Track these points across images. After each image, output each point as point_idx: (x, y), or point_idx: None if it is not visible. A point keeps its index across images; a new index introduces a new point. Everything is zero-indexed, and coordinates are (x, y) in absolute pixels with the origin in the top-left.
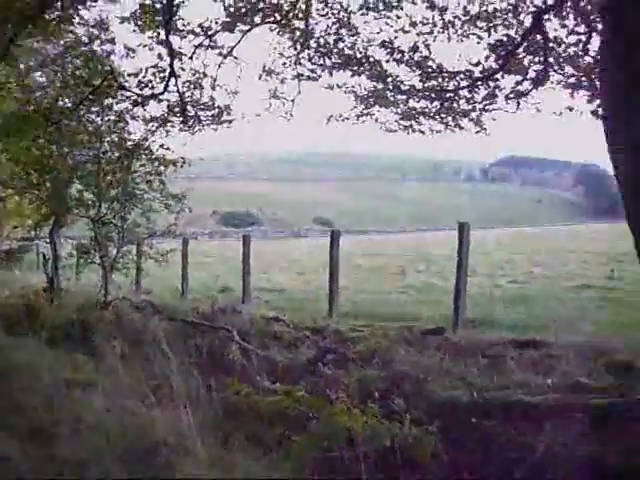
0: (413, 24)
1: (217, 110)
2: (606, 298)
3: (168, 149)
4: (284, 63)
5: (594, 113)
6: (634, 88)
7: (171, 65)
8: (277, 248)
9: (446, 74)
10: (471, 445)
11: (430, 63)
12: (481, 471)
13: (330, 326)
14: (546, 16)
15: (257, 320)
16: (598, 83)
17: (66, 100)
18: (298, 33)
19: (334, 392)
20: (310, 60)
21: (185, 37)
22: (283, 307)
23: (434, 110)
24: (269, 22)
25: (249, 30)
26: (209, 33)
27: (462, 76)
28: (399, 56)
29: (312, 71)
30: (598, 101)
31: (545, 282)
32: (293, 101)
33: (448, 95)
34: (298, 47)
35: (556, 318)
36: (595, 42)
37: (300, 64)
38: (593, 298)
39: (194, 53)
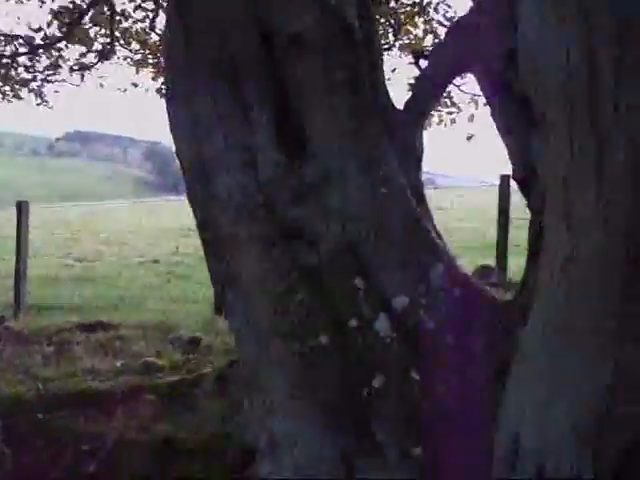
0: None
1: None
2: (173, 273)
3: None
4: None
5: (159, 91)
6: (192, 71)
7: None
8: None
9: (2, 38)
10: (40, 443)
11: None
12: (52, 471)
13: None
14: None
15: None
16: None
17: None
18: None
19: None
20: None
21: None
22: None
23: None
24: None
25: None
26: None
27: (21, 41)
28: None
29: None
30: (162, 79)
31: (114, 260)
32: None
33: (5, 61)
34: None
35: (125, 297)
36: (162, 19)
37: None
38: (161, 274)
39: None
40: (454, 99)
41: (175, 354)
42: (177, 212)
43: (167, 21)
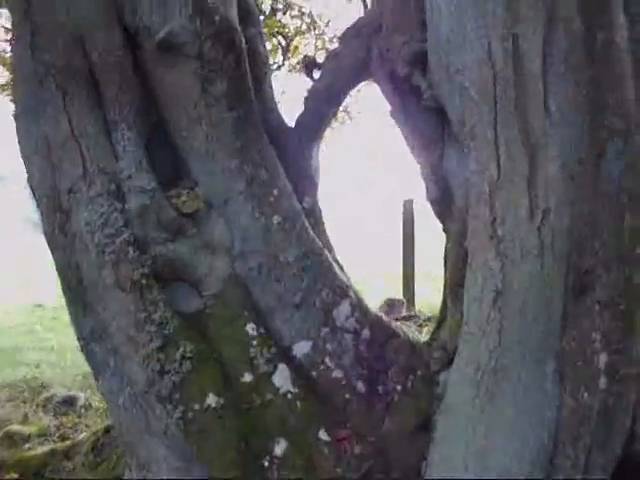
0: None
1: None
2: (58, 318)
3: None
4: None
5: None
6: (41, 81)
7: None
8: None
9: None
10: None
11: None
12: None
13: None
14: None
15: None
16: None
17: None
18: None
19: None
20: None
21: None
22: None
23: None
24: None
25: None
26: None
27: None
28: None
29: None
30: None
31: None
32: None
33: None
34: None
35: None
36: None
37: None
38: (44, 319)
39: None
40: (351, 113)
41: (46, 418)
42: None
43: (12, 22)
